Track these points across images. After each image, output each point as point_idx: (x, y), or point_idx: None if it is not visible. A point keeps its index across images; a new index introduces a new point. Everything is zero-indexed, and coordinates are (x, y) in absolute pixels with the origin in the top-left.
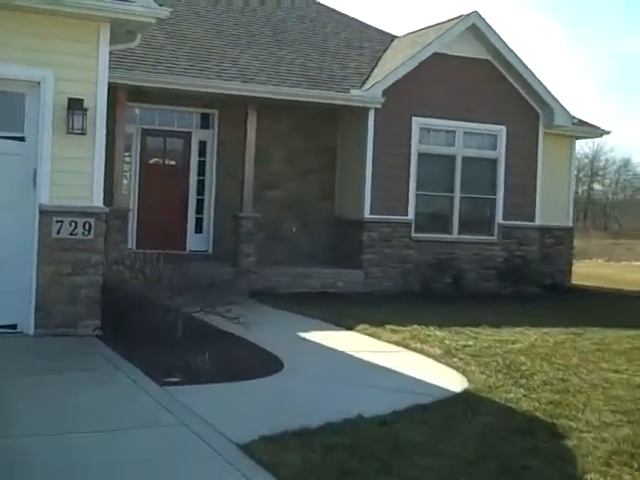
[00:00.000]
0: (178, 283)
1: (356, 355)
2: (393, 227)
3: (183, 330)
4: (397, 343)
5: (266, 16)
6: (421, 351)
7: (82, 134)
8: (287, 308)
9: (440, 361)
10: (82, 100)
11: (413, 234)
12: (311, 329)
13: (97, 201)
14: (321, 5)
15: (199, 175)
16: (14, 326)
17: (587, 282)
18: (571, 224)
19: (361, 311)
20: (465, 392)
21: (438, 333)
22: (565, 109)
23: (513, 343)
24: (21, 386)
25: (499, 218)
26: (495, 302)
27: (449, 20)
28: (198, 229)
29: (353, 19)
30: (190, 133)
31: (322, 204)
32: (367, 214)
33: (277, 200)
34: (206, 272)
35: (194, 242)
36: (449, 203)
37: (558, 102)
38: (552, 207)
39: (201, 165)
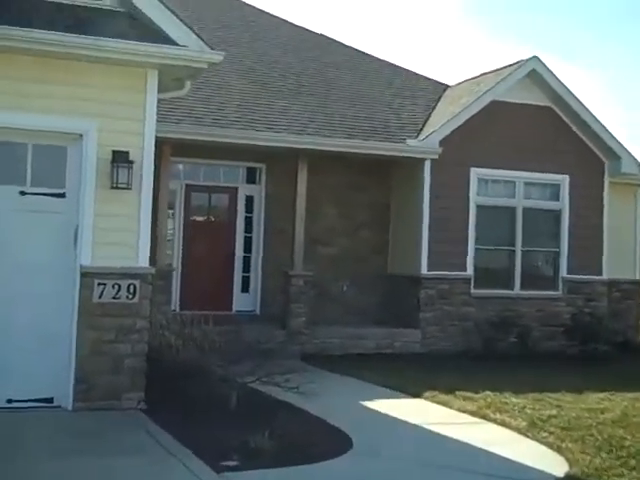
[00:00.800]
0: (229, 348)
1: (431, 428)
2: (451, 283)
3: (237, 402)
4: (473, 413)
5: (314, 68)
6: (502, 423)
7: (127, 189)
8: (344, 372)
9: (527, 435)
10: (127, 153)
11: (473, 290)
12: (374, 397)
13: (142, 261)
14: (369, 55)
15: (246, 232)
16: (50, 400)
17: None
18: (638, 277)
19: (424, 375)
20: (570, 478)
21: (515, 400)
22: (633, 156)
23: (602, 412)
24: (56, 474)
25: (564, 272)
26: (566, 363)
27: (507, 66)
28: (245, 288)
29: (403, 69)
30: (236, 188)
31: (374, 260)
32: (424, 270)
33: (327, 256)
34: (257, 335)
35: (240, 302)
36: (510, 257)
37: (625, 149)
38: (617, 259)
39: (248, 221)
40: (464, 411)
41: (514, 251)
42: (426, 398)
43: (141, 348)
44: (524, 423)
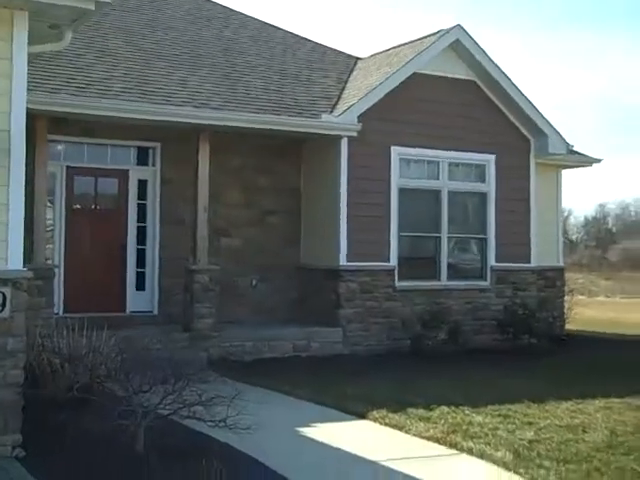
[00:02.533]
0: (129, 366)
1: (402, 469)
2: (374, 275)
3: (149, 444)
4: (438, 440)
5: (213, 35)
6: (481, 454)
7: None
8: (265, 385)
9: (520, 473)
10: None
11: (397, 283)
12: (313, 420)
13: (15, 262)
14: (273, 26)
15: (139, 221)
16: None
17: (575, 325)
18: (562, 263)
19: (356, 384)
20: None
21: (479, 419)
22: (560, 135)
23: (584, 431)
24: None
25: (492, 260)
26: (504, 360)
27: (427, 36)
28: (140, 286)
29: (308, 40)
30: (127, 171)
31: (286, 251)
32: (343, 261)
33: (233, 248)
34: (158, 343)
35: (136, 302)
36: (436, 245)
37: (553, 127)
38: (540, 245)
39: (141, 209)
40: (427, 437)
41: (439, 238)
42: (375, 419)
43: (15, 377)
44: (508, 454)
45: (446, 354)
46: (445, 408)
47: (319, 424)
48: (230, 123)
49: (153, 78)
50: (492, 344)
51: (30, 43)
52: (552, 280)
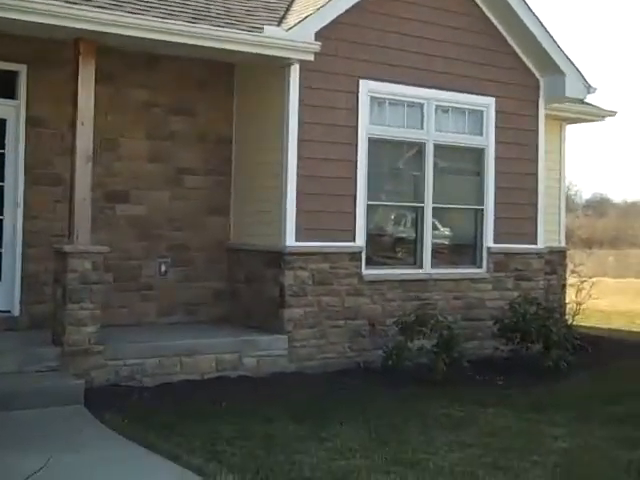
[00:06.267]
0: None
1: None
2: (333, 261)
3: None
4: None
5: None
6: None
7: None
8: (169, 452)
9: None
10: None
11: (364, 270)
12: None
13: None
14: None
15: None
16: None
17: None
18: (564, 244)
19: (327, 449)
20: None
21: None
22: (581, 74)
23: None
24: None
25: (489, 240)
26: (528, 387)
27: None
28: None
29: None
30: None
31: (210, 225)
32: (291, 240)
33: (132, 220)
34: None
35: None
36: (417, 218)
37: (572, 63)
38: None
39: None
40: None
41: (422, 209)
42: None
43: None
44: None
45: (440, 375)
46: None
47: None
48: (126, 32)
49: None
50: (491, 355)
51: None
52: (554, 265)
